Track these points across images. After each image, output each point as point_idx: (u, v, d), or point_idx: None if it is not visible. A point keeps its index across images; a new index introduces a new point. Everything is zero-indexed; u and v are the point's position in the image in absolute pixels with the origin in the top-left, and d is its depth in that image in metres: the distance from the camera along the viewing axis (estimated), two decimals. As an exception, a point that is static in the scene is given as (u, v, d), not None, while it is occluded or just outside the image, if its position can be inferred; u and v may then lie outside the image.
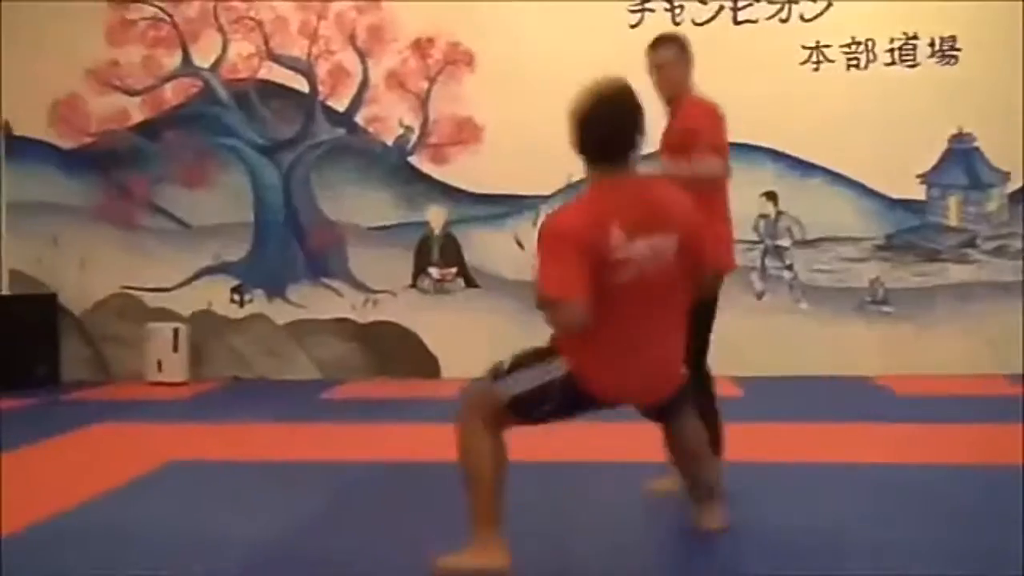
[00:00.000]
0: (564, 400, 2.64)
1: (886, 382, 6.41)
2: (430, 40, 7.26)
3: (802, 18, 6.94)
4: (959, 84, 6.76)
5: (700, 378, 3.35)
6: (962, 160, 6.84)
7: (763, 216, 6.91)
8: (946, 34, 6.85)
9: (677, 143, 3.50)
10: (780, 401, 5.82)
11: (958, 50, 6.85)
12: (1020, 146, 6.66)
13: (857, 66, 6.92)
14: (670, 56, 3.66)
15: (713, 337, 3.51)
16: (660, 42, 3.71)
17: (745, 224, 6.69)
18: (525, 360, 2.68)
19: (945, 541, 2.99)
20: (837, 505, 3.44)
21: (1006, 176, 6.80)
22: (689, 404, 2.97)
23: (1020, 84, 6.64)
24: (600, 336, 2.56)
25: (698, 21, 6.94)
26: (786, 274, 6.95)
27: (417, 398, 6.37)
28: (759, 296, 6.95)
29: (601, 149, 2.63)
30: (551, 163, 6.85)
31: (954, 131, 6.79)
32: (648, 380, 2.73)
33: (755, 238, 6.91)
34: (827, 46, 6.91)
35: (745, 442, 3.82)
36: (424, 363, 7.26)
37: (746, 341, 6.48)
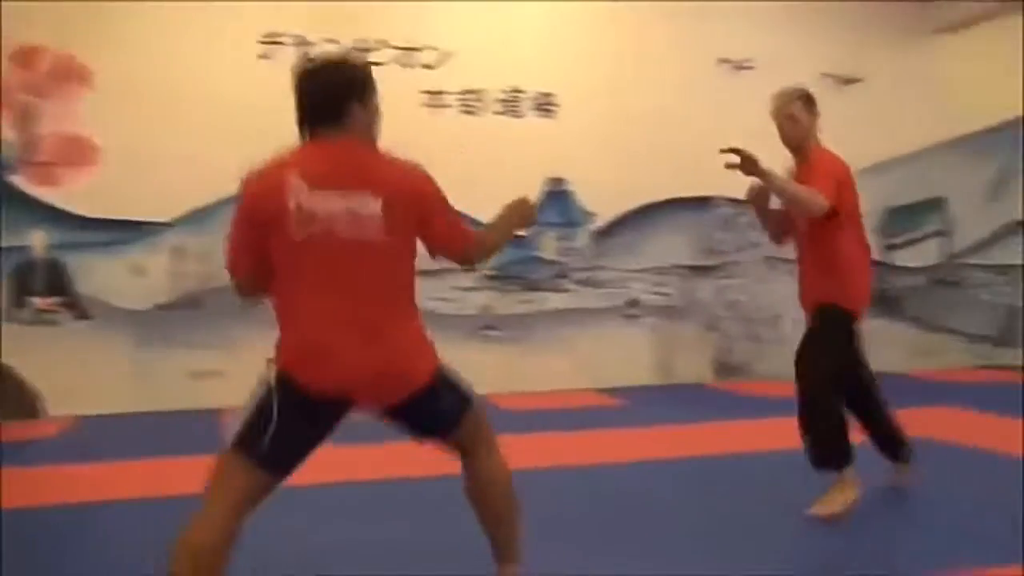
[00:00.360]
0: (288, 411, 2.30)
1: (495, 400, 7.00)
2: (35, 50, 6.71)
3: (424, 65, 7.44)
4: (556, 135, 7.64)
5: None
6: (557, 202, 7.74)
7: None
8: (546, 90, 7.73)
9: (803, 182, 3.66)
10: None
11: (556, 105, 7.76)
12: (603, 191, 7.70)
13: (471, 113, 7.58)
14: (798, 107, 3.78)
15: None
16: (788, 93, 3.84)
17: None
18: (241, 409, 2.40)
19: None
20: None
21: (592, 216, 7.82)
22: (488, 441, 2.63)
23: (606, 137, 7.69)
24: (291, 305, 2.37)
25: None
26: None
27: (13, 440, 5.82)
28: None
29: (301, 115, 2.50)
30: (174, 187, 6.72)
31: (551, 175, 7.67)
32: (363, 366, 2.35)
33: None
34: (446, 92, 7.49)
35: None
36: (22, 401, 6.64)
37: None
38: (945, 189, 8.80)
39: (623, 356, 7.85)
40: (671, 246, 7.98)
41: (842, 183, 3.68)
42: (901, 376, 7.50)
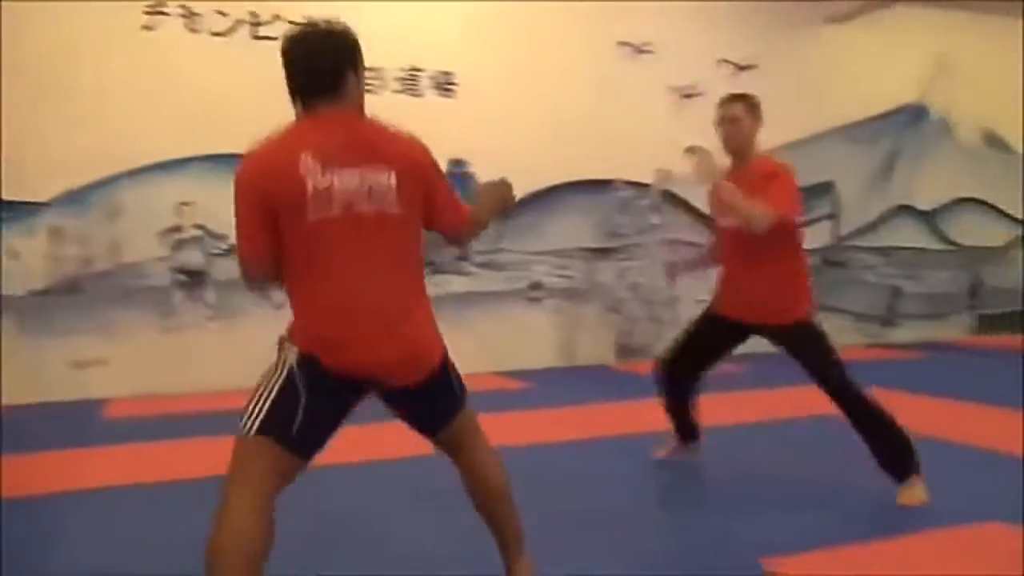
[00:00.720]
0: (314, 392, 2.23)
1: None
2: None
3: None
4: (456, 115, 7.51)
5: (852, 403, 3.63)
6: (459, 183, 7.59)
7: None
8: (445, 69, 7.60)
9: (747, 190, 3.52)
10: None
11: (455, 84, 7.64)
12: (504, 172, 7.58)
13: (369, 91, 7.35)
14: (741, 111, 3.70)
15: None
16: (734, 97, 3.76)
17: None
18: (255, 392, 2.28)
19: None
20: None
21: (494, 198, 7.73)
22: (479, 434, 2.60)
23: (506, 118, 7.61)
24: (312, 289, 2.27)
25: (216, 31, 6.85)
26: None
27: None
28: (279, 307, 6.97)
29: (294, 86, 2.37)
30: (51, 166, 6.33)
31: (452, 157, 7.54)
32: (389, 346, 2.29)
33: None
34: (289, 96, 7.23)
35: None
36: None
37: (268, 351, 6.64)
38: (834, 173, 9.07)
39: (526, 339, 7.82)
40: (573, 229, 7.97)
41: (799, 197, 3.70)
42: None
